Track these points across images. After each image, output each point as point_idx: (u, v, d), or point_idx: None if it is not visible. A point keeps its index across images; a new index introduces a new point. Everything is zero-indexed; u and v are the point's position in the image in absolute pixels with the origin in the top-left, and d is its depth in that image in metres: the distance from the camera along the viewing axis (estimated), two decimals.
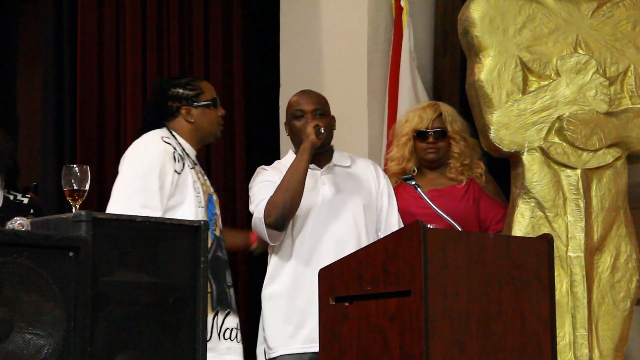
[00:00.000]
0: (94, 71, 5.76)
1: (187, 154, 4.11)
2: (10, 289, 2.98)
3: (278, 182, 4.25)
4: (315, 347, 4.09)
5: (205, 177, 4.20)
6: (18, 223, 3.16)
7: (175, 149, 4.06)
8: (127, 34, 5.72)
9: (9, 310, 2.98)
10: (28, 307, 3.02)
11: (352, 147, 4.74)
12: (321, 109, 4.33)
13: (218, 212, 4.19)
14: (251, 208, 4.30)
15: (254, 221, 4.27)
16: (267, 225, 4.21)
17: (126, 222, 3.30)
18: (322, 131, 4.20)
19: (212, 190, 4.20)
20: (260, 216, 4.21)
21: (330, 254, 4.13)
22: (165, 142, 4.06)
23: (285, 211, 4.18)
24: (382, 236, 4.27)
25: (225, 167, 5.67)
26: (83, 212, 3.15)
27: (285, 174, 4.20)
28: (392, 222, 4.37)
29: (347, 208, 4.26)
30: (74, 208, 3.44)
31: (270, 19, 5.66)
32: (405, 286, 3.37)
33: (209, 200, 4.12)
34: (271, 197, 4.19)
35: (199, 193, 4.06)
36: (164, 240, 3.35)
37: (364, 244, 4.18)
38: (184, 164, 4.06)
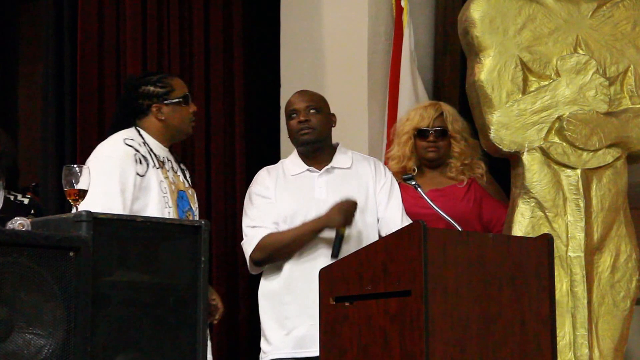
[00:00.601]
0: (94, 71, 5.76)
1: (155, 154, 4.10)
2: (10, 289, 2.98)
3: (273, 196, 4.29)
4: (306, 352, 4.12)
5: (179, 173, 4.19)
6: (18, 223, 3.16)
7: (137, 150, 4.04)
8: (127, 34, 5.72)
9: (10, 310, 2.98)
10: (28, 307, 3.02)
11: (352, 146, 4.73)
12: (314, 106, 4.33)
13: (193, 206, 4.18)
14: (244, 224, 4.35)
15: (243, 244, 4.33)
16: (250, 258, 4.28)
17: (127, 222, 3.30)
18: (344, 234, 4.13)
19: (185, 185, 4.19)
20: (248, 249, 4.27)
21: (325, 257, 4.14)
22: (127, 144, 4.05)
23: (270, 260, 4.26)
24: (382, 228, 4.28)
25: (226, 167, 5.67)
26: (83, 212, 3.16)
27: (290, 233, 4.22)
28: (391, 216, 4.33)
29: None
30: (74, 208, 3.44)
31: (271, 19, 5.66)
32: (405, 286, 3.38)
33: (179, 198, 4.11)
34: (264, 243, 4.23)
35: (165, 193, 4.05)
36: (165, 240, 3.35)
37: (358, 246, 4.17)
38: (147, 165, 4.05)
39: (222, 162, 5.66)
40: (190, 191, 4.20)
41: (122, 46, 5.75)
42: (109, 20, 5.77)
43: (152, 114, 4.14)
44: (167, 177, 4.09)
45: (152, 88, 4.14)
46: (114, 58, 5.77)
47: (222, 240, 5.54)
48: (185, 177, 4.23)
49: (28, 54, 6.71)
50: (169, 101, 4.14)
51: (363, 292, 3.49)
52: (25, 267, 3.00)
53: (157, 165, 4.08)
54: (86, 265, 3.09)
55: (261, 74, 5.83)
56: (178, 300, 3.31)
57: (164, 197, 4.04)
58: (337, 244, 4.09)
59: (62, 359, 3.04)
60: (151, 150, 4.09)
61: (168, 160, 4.16)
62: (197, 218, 4.16)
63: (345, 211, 4.13)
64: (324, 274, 3.65)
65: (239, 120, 5.70)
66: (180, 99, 4.15)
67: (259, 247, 4.23)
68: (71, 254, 3.08)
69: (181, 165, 4.27)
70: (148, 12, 5.69)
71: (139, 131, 4.13)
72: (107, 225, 3.20)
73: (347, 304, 3.54)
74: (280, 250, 4.22)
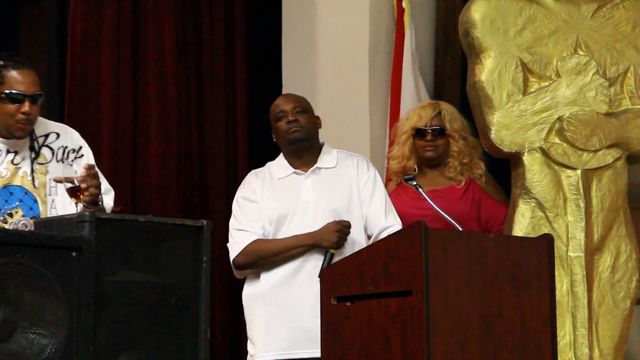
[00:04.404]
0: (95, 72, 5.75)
1: None
2: (13, 289, 2.99)
3: (260, 200, 4.30)
4: (290, 354, 4.12)
5: (23, 166, 3.89)
6: (21, 223, 3.17)
7: None
8: (128, 36, 5.71)
9: (12, 310, 2.99)
10: (31, 306, 3.03)
11: (353, 147, 4.74)
12: (300, 106, 4.35)
13: (41, 201, 3.89)
14: (231, 226, 4.36)
15: (228, 246, 4.34)
16: (232, 262, 4.30)
17: (129, 222, 3.31)
18: (334, 254, 4.13)
19: (28, 179, 3.90)
20: (233, 252, 4.28)
21: (309, 260, 4.16)
22: None
23: (254, 266, 4.26)
24: (366, 225, 4.29)
25: (228, 168, 5.67)
26: (86, 213, 3.17)
27: (278, 244, 4.22)
28: (374, 213, 4.30)
29: (328, 212, 4.24)
30: (77, 206, 3.46)
31: (272, 20, 5.67)
32: (406, 286, 3.39)
33: (4, 188, 3.85)
34: (250, 249, 4.24)
35: None
36: (167, 240, 3.36)
37: (346, 246, 4.19)
38: None
39: (224, 162, 5.67)
40: (30, 190, 3.90)
41: (124, 46, 5.75)
42: (111, 20, 5.76)
43: None
44: None
45: None
46: (115, 59, 5.76)
47: (224, 240, 5.55)
48: (39, 168, 3.93)
49: (30, 54, 6.71)
50: None
51: (364, 292, 3.50)
52: (28, 267, 3.01)
53: None
54: (89, 265, 3.10)
55: (263, 75, 5.84)
56: (180, 300, 3.32)
57: None
58: (325, 264, 4.10)
59: (64, 358, 3.05)
60: None
61: (10, 152, 3.89)
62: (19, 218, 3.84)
63: (340, 232, 4.15)
64: (326, 274, 3.66)
65: (241, 121, 5.70)
66: (3, 95, 3.80)
67: (245, 251, 4.25)
68: (74, 254, 3.08)
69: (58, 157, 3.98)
70: (150, 14, 5.69)
71: None
72: (109, 226, 3.21)
73: (348, 303, 3.55)
74: (266, 259, 4.23)
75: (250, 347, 4.30)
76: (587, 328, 4.32)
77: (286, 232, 4.24)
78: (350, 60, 5.34)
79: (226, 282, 5.51)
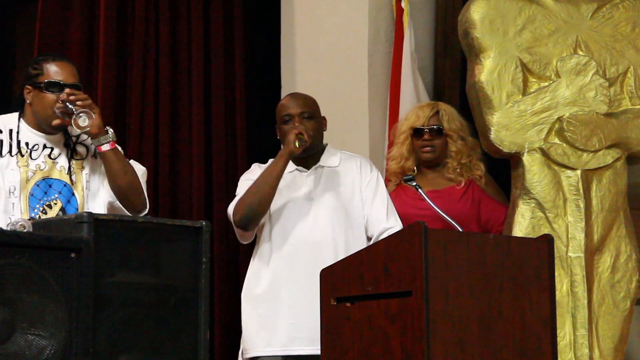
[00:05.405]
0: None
1: (19, 140, 3.91)
2: (12, 290, 2.99)
3: None
4: (290, 351, 4.13)
5: (60, 161, 3.95)
6: (20, 224, 3.17)
7: None
8: (128, 37, 5.72)
9: (11, 311, 2.99)
10: (30, 308, 3.02)
11: (353, 147, 4.74)
12: (308, 112, 4.33)
13: (78, 194, 3.94)
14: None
15: (228, 214, 4.33)
16: (234, 222, 4.27)
17: (128, 223, 3.31)
18: (303, 141, 4.16)
19: (65, 173, 3.95)
20: (230, 212, 4.28)
21: (307, 258, 4.16)
22: None
23: (251, 213, 4.21)
24: (367, 226, 4.29)
25: (227, 168, 5.67)
26: (85, 214, 3.16)
27: (259, 177, 4.23)
28: (376, 214, 4.31)
29: (327, 210, 4.25)
30: (78, 118, 3.68)
31: (271, 20, 5.66)
32: (406, 286, 3.39)
33: (42, 187, 3.89)
34: (241, 197, 4.24)
35: (12, 182, 3.86)
36: (166, 241, 3.36)
37: (341, 246, 4.19)
38: (1, 151, 3.88)
39: (223, 162, 5.67)
40: (68, 181, 3.93)
41: (118, 47, 5.74)
42: (109, 22, 5.77)
43: (25, 96, 3.95)
44: (24, 165, 3.88)
45: (28, 68, 3.95)
46: (114, 59, 5.76)
47: (223, 241, 5.55)
48: (75, 163, 3.98)
49: (26, 54, 6.71)
50: (35, 85, 3.90)
51: (364, 293, 3.50)
52: (26, 269, 3.01)
53: (15, 152, 3.88)
54: (87, 267, 3.10)
55: (262, 75, 5.84)
56: (179, 300, 3.32)
57: (11, 185, 3.84)
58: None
59: (64, 359, 3.05)
60: (17, 133, 3.91)
61: (47, 147, 3.93)
62: (86, 209, 3.92)
63: (292, 132, 4.18)
64: (325, 274, 3.66)
65: (240, 120, 5.70)
66: (42, 85, 3.89)
67: (235, 209, 4.23)
68: (72, 255, 3.08)
69: (77, 153, 4.00)
70: (148, 12, 5.69)
71: (20, 114, 3.96)
72: (108, 227, 3.21)
73: (348, 304, 3.55)
74: (255, 197, 4.18)
75: (244, 342, 4.30)
76: (587, 328, 4.31)
77: (285, 226, 4.25)
78: (350, 61, 5.34)
79: (226, 282, 5.51)
